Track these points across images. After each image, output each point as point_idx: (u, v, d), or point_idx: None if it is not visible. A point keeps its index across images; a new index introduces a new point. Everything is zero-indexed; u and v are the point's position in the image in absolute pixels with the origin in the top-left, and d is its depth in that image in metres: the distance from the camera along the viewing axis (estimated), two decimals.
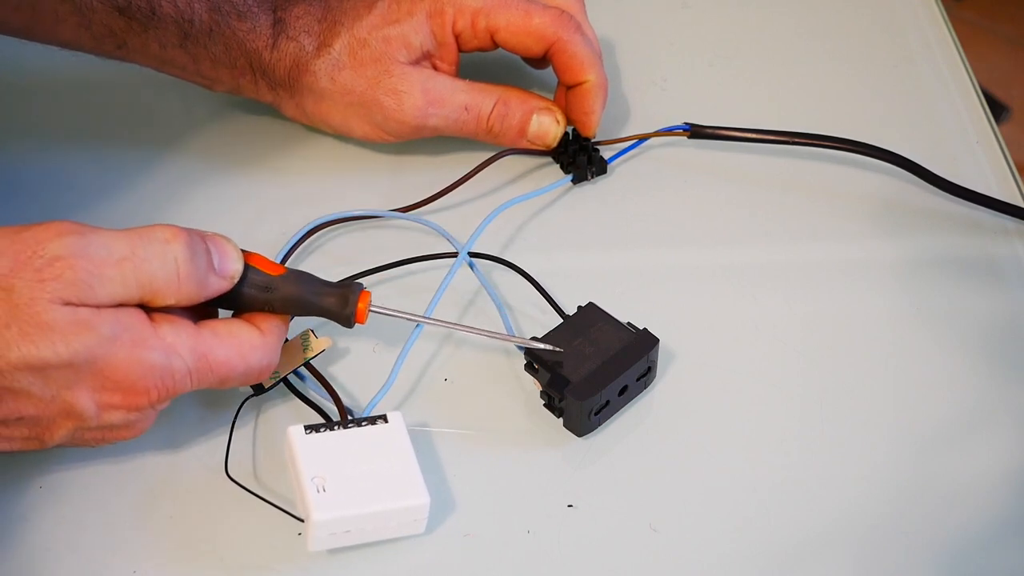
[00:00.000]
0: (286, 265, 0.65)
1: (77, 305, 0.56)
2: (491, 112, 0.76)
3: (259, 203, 0.76)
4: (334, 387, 0.65)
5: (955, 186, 0.77)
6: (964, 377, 0.69)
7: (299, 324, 0.69)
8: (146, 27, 0.72)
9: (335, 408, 0.64)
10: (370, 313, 0.64)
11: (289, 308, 0.63)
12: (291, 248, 0.72)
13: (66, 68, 0.78)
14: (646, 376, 0.67)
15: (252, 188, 0.77)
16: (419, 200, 0.75)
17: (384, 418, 0.62)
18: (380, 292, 0.72)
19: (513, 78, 0.80)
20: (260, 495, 0.62)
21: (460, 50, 0.76)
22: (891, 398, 0.68)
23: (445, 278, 0.69)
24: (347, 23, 0.74)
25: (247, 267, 0.62)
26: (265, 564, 0.61)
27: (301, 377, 0.67)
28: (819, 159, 0.80)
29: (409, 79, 0.74)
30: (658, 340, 0.67)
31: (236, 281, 0.61)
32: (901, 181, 0.78)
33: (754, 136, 0.79)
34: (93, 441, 0.61)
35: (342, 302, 0.63)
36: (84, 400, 0.58)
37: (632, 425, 0.67)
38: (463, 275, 0.71)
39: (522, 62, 0.80)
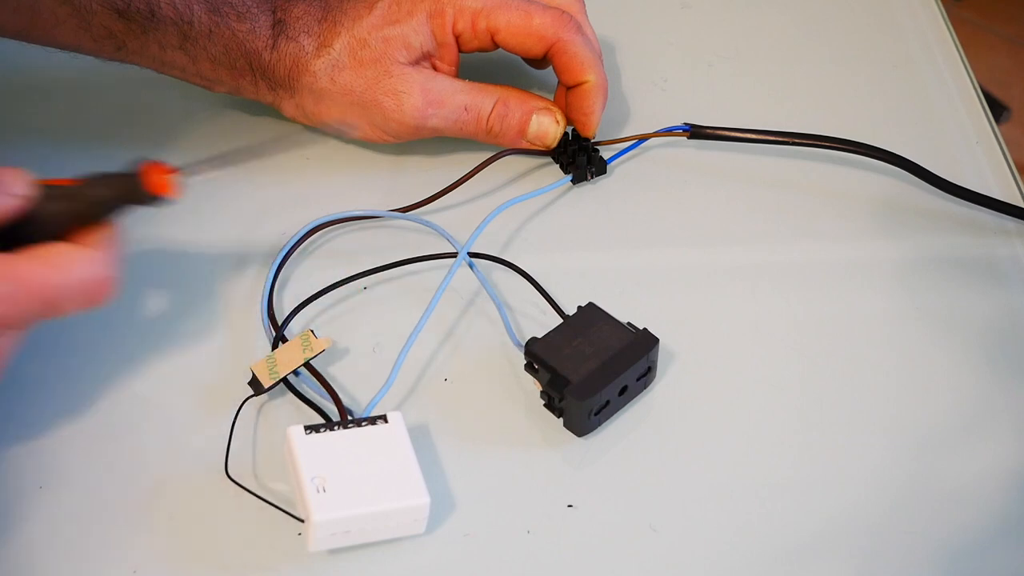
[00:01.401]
0: (84, 177, 0.61)
1: None
2: (491, 112, 0.76)
3: (259, 203, 0.76)
4: (334, 387, 0.65)
5: (955, 186, 0.77)
6: (964, 377, 0.69)
7: (300, 324, 0.69)
8: (145, 29, 0.72)
9: (335, 408, 0.64)
10: (178, 178, 0.60)
11: (102, 210, 0.60)
12: (291, 248, 0.72)
13: (66, 68, 0.78)
14: (646, 376, 0.67)
15: (252, 188, 0.77)
16: (419, 200, 0.75)
17: (384, 418, 0.63)
18: (380, 292, 0.72)
19: (513, 78, 0.80)
20: (260, 495, 0.62)
21: (460, 51, 0.76)
22: (891, 398, 0.68)
23: (445, 278, 0.69)
24: (347, 23, 0.74)
25: (45, 186, 0.59)
26: (265, 564, 0.61)
27: (300, 377, 0.67)
28: (819, 159, 0.80)
29: (409, 80, 0.74)
30: (658, 340, 0.67)
31: (30, 199, 0.58)
32: (901, 181, 0.78)
33: (754, 136, 0.79)
34: None
35: (133, 186, 0.60)
36: None
37: (632, 425, 0.67)
38: (463, 275, 0.71)
39: (522, 62, 0.80)
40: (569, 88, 0.77)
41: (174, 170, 0.60)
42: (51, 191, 0.60)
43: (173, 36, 0.73)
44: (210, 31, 0.73)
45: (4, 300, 0.57)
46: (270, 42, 0.74)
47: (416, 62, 0.75)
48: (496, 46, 0.76)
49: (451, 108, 0.75)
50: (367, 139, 0.77)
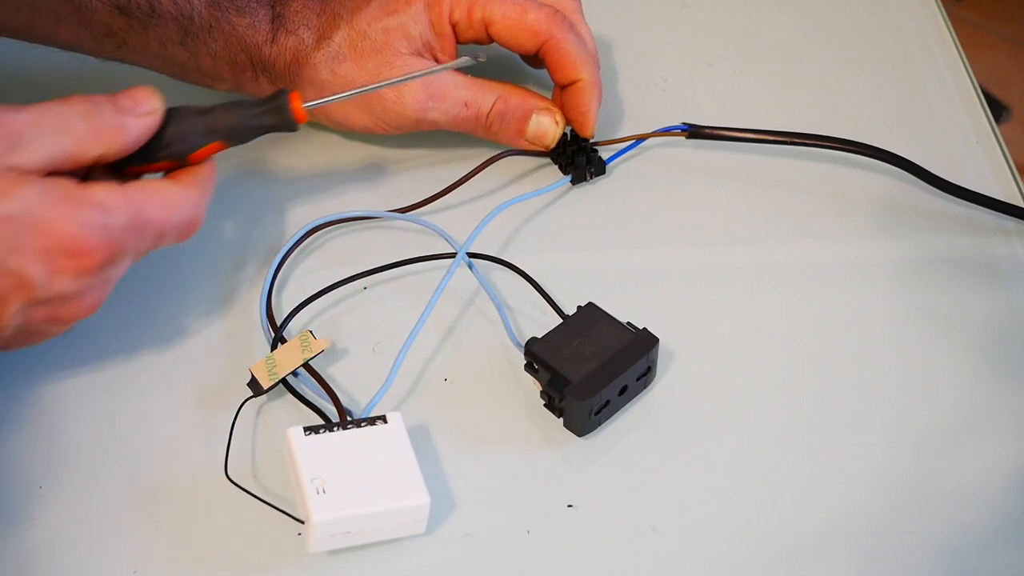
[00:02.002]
0: None
1: (6, 168, 0.58)
2: (491, 110, 0.76)
3: (259, 203, 0.76)
4: (333, 388, 0.65)
5: (955, 186, 0.77)
6: (964, 377, 0.69)
7: (299, 324, 0.69)
8: (146, 25, 0.73)
9: (334, 409, 0.64)
10: (308, 108, 0.67)
11: (231, 132, 0.65)
12: (291, 248, 0.72)
13: (66, 68, 0.78)
14: (646, 376, 0.67)
15: (252, 188, 0.77)
16: (418, 201, 0.75)
17: (383, 419, 0.62)
18: (380, 292, 0.72)
19: (514, 78, 0.80)
20: (260, 497, 0.62)
21: (457, 41, 0.76)
22: (891, 398, 0.68)
23: (444, 278, 0.69)
24: (346, 16, 0.75)
25: (178, 107, 0.64)
26: (265, 564, 0.61)
27: (300, 378, 0.67)
28: (819, 159, 0.80)
29: (410, 72, 0.74)
30: (658, 340, 0.67)
31: (158, 115, 0.63)
32: (901, 181, 0.78)
33: (752, 136, 0.79)
34: (45, 323, 0.61)
35: (277, 109, 0.66)
36: (32, 265, 0.58)
37: (632, 425, 0.67)
38: (463, 275, 0.71)
39: (523, 63, 0.80)
40: (563, 88, 0.77)
41: (300, 99, 0.67)
42: (188, 109, 0.65)
43: (174, 32, 0.73)
44: (210, 26, 0.73)
45: (127, 231, 0.61)
46: (270, 36, 0.74)
47: (417, 52, 0.75)
48: (490, 39, 0.76)
49: (451, 103, 0.75)
50: (367, 131, 0.77)
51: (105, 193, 0.60)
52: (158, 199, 0.62)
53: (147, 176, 0.65)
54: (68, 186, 0.59)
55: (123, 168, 0.64)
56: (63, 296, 0.60)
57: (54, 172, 0.60)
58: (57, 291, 0.60)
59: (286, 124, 0.67)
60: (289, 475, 0.61)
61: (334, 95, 0.69)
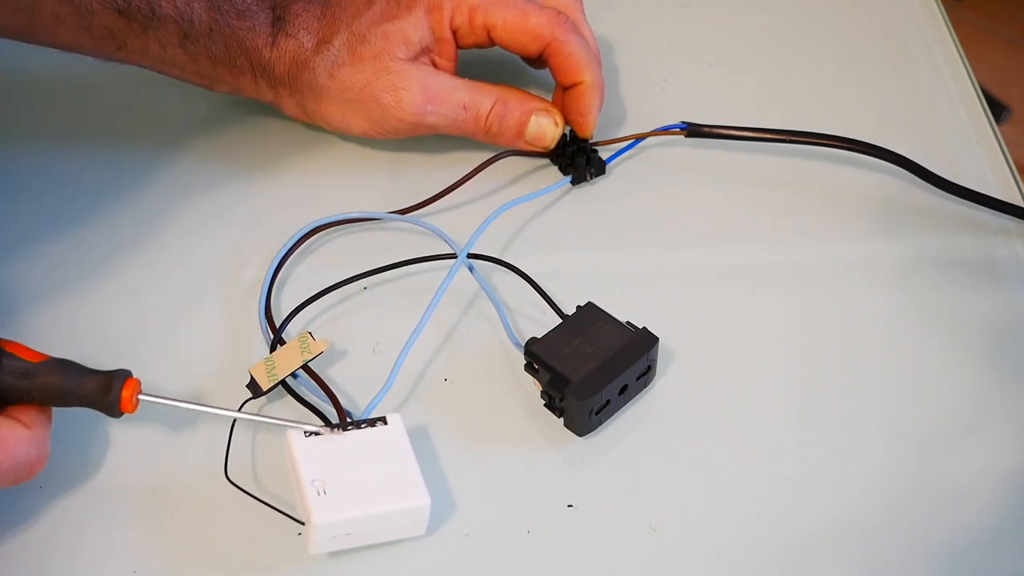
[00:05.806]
0: (50, 355, 0.61)
1: None
2: (489, 112, 0.76)
3: (259, 203, 0.76)
4: (333, 390, 0.65)
5: (955, 186, 0.77)
6: (964, 377, 0.69)
7: (298, 325, 0.69)
8: (146, 27, 0.72)
9: (334, 411, 0.64)
10: (140, 401, 0.61)
11: (49, 397, 0.59)
12: (290, 249, 0.72)
13: (66, 69, 0.78)
14: (646, 375, 0.67)
15: (252, 188, 0.77)
16: (418, 202, 0.75)
17: (383, 420, 0.62)
18: (380, 293, 0.72)
19: (514, 78, 0.80)
20: (260, 498, 0.62)
21: (458, 46, 0.76)
22: (891, 398, 0.68)
23: (445, 280, 0.69)
24: (346, 20, 0.75)
25: (2, 353, 0.59)
26: (266, 565, 0.61)
27: (299, 379, 0.66)
28: (818, 159, 0.80)
29: (408, 76, 0.74)
30: (657, 339, 0.67)
31: None
32: (901, 181, 0.78)
33: (751, 135, 0.79)
34: None
35: (105, 388, 0.60)
36: None
37: (632, 425, 0.67)
38: (463, 276, 0.71)
39: (523, 62, 0.80)
40: (565, 89, 0.77)
41: (138, 389, 0.61)
42: (8, 363, 0.59)
43: (174, 34, 0.73)
44: (210, 28, 0.73)
45: None
46: (270, 39, 0.74)
47: (415, 57, 0.75)
48: (492, 43, 0.76)
49: (450, 106, 0.75)
50: (366, 136, 0.77)
51: None
52: None
53: None
54: None
55: None
56: None
57: None
58: None
59: (109, 409, 0.60)
60: (289, 476, 0.61)
61: (171, 399, 0.62)
